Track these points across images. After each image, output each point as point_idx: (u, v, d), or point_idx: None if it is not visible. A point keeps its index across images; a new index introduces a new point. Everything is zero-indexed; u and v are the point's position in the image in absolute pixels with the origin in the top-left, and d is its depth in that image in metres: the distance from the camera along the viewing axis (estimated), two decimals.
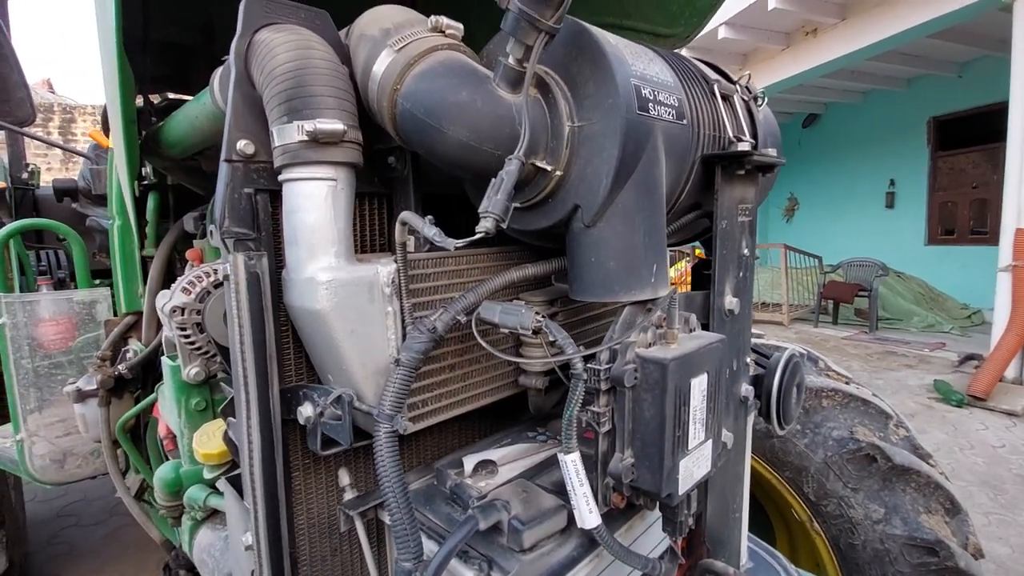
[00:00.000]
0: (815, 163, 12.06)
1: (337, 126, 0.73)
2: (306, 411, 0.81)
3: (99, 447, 2.30)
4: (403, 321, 0.83)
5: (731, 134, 0.90)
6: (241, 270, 0.79)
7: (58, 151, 11.42)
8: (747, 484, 1.15)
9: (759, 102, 1.02)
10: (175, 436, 1.72)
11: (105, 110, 2.90)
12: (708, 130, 0.87)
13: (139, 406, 1.85)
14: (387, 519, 0.93)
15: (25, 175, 3.65)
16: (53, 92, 14.17)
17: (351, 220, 0.81)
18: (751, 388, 1.00)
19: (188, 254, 1.71)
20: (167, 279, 1.97)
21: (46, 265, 3.46)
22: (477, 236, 0.65)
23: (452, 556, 0.70)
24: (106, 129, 3.00)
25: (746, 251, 0.97)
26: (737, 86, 0.97)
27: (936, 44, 7.93)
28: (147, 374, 2.05)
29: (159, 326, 2.02)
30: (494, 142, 0.71)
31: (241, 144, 0.79)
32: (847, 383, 2.19)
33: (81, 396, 1.91)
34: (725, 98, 0.92)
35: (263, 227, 0.84)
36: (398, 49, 0.73)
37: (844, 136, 11.54)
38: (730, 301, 0.94)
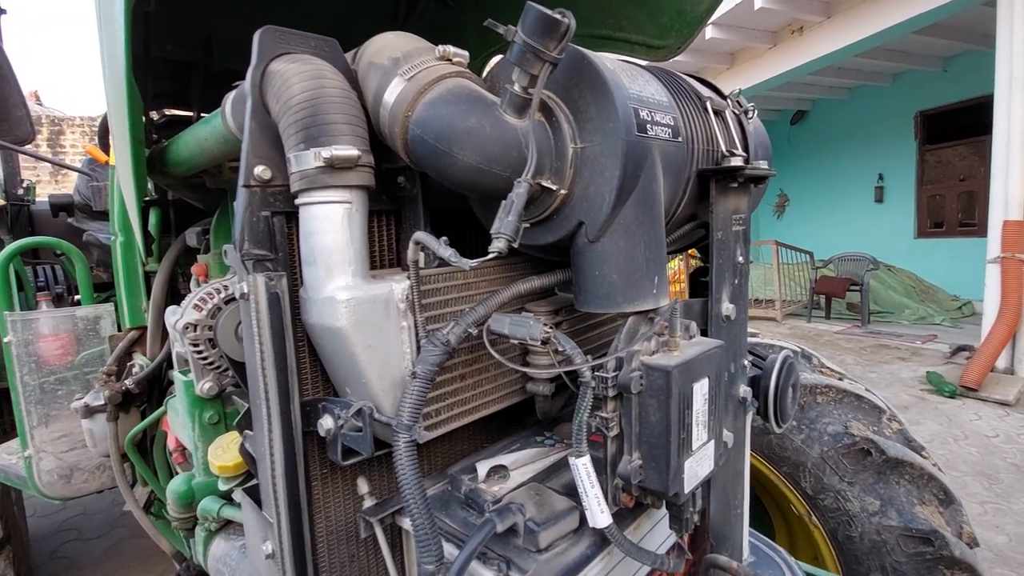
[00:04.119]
0: (804, 159, 12.18)
1: (352, 152, 0.77)
2: (326, 423, 0.85)
3: (105, 462, 2.32)
4: (417, 335, 0.87)
5: (724, 148, 0.95)
6: (261, 290, 0.83)
7: (47, 164, 11.38)
8: (747, 481, 1.20)
9: (749, 115, 1.06)
10: (184, 449, 1.74)
11: (102, 125, 2.92)
12: (702, 145, 0.92)
13: (148, 420, 1.88)
14: (405, 525, 0.97)
15: (21, 191, 3.66)
16: (41, 104, 14.09)
17: (366, 239, 0.85)
18: (749, 389, 1.05)
19: (193, 269, 1.74)
20: (170, 294, 2.00)
21: (44, 281, 3.48)
22: (491, 256, 0.69)
23: (472, 558, 0.74)
24: (103, 144, 3.02)
25: (741, 259, 1.01)
26: (728, 100, 1.02)
27: (920, 39, 8.05)
28: (152, 388, 2.07)
29: (163, 340, 2.04)
30: (502, 165, 0.75)
31: (258, 170, 0.83)
32: (840, 379, 2.24)
33: (89, 411, 1.93)
34: (717, 113, 0.97)
35: (280, 248, 0.88)
36: (408, 78, 0.77)
37: (832, 132, 11.67)
38: (727, 307, 0.98)
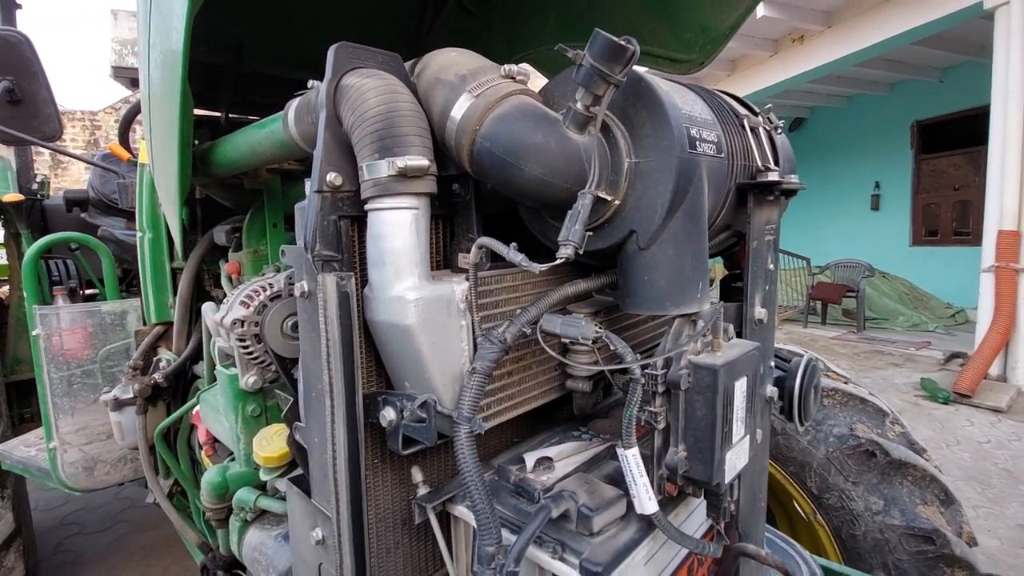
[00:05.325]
0: (802, 166, 12.08)
1: (423, 162, 0.83)
2: (388, 415, 0.90)
3: (127, 454, 2.36)
4: (474, 333, 0.93)
5: (759, 163, 1.01)
6: (331, 289, 0.89)
7: (46, 159, 11.35)
8: (766, 476, 1.26)
9: (779, 130, 1.13)
10: (215, 442, 1.79)
11: (124, 122, 2.95)
12: (740, 160, 0.98)
13: (178, 412, 1.92)
14: (455, 512, 1.02)
15: (35, 186, 3.68)
16: None
17: (428, 243, 0.91)
18: (775, 389, 1.11)
19: (227, 267, 1.79)
20: (195, 290, 2.05)
21: (58, 275, 3.51)
22: (559, 261, 0.75)
23: (531, 541, 0.80)
24: (123, 141, 3.05)
25: (771, 266, 1.08)
26: (761, 117, 1.08)
27: (918, 50, 8.18)
28: (177, 382, 2.12)
29: (189, 336, 2.09)
30: (564, 177, 0.81)
31: (330, 177, 0.88)
32: (846, 383, 2.31)
33: (119, 404, 1.98)
34: (752, 130, 1.03)
35: (345, 249, 0.93)
36: (477, 95, 0.83)
37: (830, 140, 11.80)
38: (759, 311, 1.05)
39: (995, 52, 5.94)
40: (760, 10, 7.09)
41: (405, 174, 0.83)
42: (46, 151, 10.67)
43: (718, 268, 1.39)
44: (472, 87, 0.84)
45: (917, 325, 8.91)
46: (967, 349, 6.44)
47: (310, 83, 1.03)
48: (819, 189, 11.97)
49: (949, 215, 10.15)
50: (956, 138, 9.77)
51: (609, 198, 0.85)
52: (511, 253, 0.78)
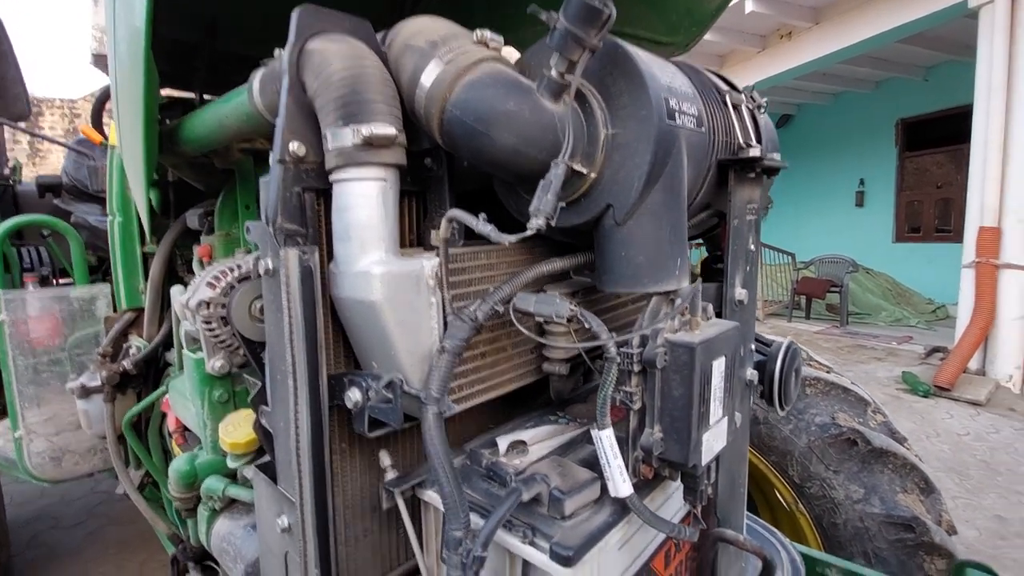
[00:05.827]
0: (788, 162, 12.32)
1: (390, 131, 0.79)
2: (354, 396, 0.87)
3: (96, 444, 2.30)
4: (444, 311, 0.89)
5: (741, 140, 0.99)
6: (294, 264, 0.85)
7: (24, 146, 11.11)
8: (746, 462, 1.24)
9: (762, 110, 1.10)
10: (185, 430, 1.74)
11: (97, 106, 2.87)
12: (722, 136, 0.95)
13: (147, 400, 1.87)
14: (425, 497, 0.99)
15: (7, 171, 3.58)
16: None
17: (397, 217, 0.87)
18: (755, 372, 1.09)
19: (199, 251, 1.74)
20: (167, 275, 1.99)
21: (29, 262, 3.41)
22: (529, 232, 0.72)
23: (500, 525, 0.77)
24: (96, 125, 2.97)
25: (752, 247, 1.06)
26: (744, 95, 1.06)
27: (904, 48, 8.26)
28: (148, 369, 2.06)
29: (161, 321, 2.03)
30: (538, 147, 0.78)
31: (293, 146, 0.84)
32: (828, 372, 2.31)
33: (86, 392, 1.91)
34: (735, 107, 1.01)
35: (310, 224, 0.89)
36: (448, 61, 0.79)
37: (816, 136, 11.89)
38: (740, 292, 1.03)
39: (979, 51, 6.00)
40: (749, 5, 7.10)
41: (371, 143, 0.79)
42: (23, 137, 10.43)
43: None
44: (442, 52, 0.81)
45: (899, 320, 9.02)
46: (947, 344, 6.52)
47: (276, 52, 0.98)
48: (805, 185, 12.06)
49: (932, 212, 10.28)
50: (939, 136, 9.88)
51: (585, 171, 0.82)
52: (480, 224, 0.75)
